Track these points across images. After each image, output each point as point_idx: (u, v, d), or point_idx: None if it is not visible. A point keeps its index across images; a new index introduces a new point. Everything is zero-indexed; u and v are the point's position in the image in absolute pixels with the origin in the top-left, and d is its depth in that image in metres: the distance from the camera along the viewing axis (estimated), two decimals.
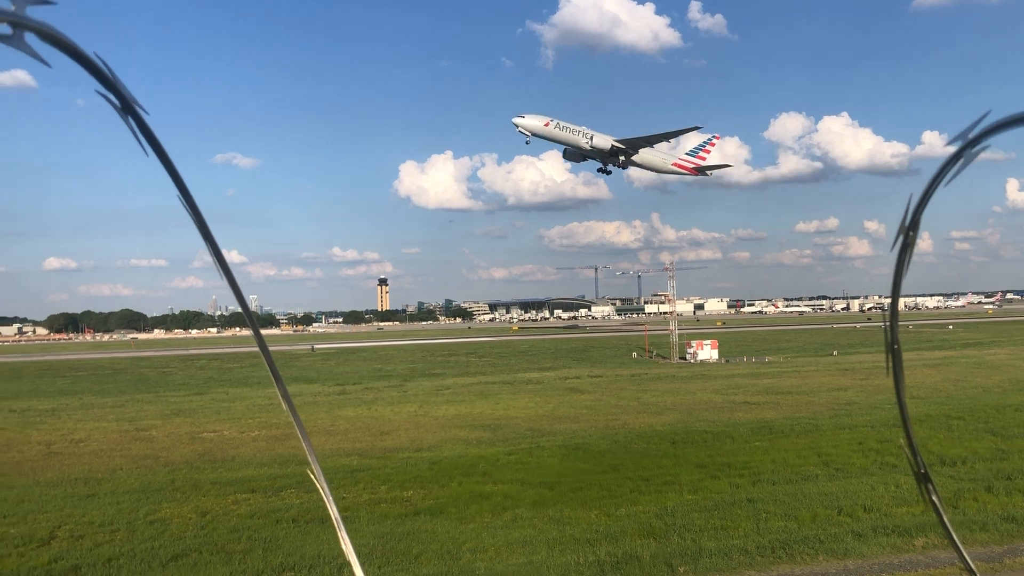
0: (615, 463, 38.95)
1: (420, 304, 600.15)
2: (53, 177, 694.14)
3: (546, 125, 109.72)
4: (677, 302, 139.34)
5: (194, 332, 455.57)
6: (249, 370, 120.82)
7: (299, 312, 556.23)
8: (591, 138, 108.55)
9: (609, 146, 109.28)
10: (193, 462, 41.92)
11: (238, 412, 63.49)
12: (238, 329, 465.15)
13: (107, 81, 2.11)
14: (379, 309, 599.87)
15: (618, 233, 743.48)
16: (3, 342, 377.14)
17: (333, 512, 2.77)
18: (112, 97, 2.14)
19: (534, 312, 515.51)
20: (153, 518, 30.00)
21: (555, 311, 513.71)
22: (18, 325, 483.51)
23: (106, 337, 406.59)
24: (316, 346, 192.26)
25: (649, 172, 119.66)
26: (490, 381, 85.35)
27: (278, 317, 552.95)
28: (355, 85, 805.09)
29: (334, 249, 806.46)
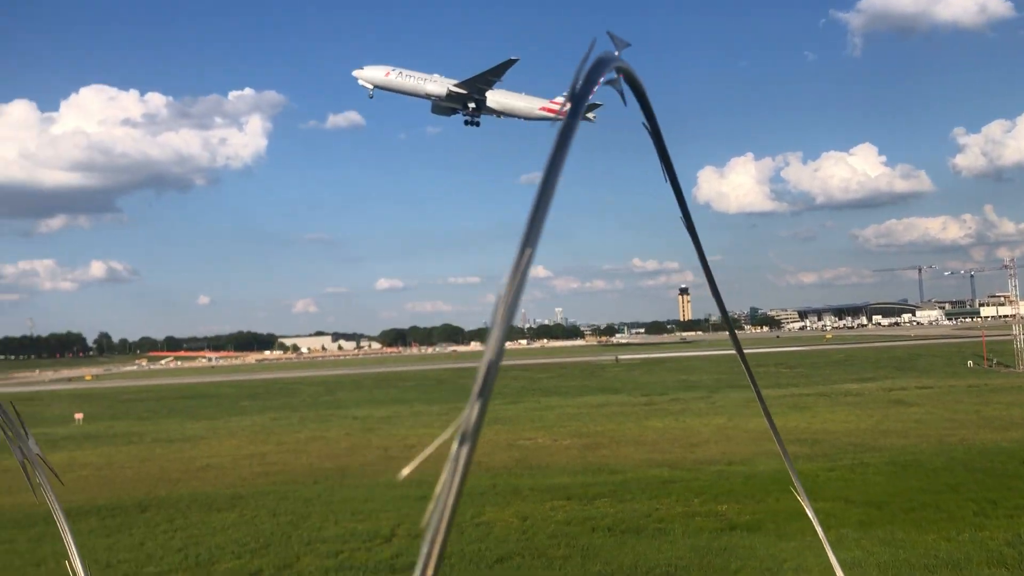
0: (953, 482, 35.23)
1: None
2: (381, 205, 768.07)
3: (387, 75, 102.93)
4: (1021, 303, 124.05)
5: (506, 344, 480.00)
6: (558, 380, 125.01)
7: (602, 323, 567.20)
8: (425, 82, 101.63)
9: (445, 91, 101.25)
10: (512, 468, 43.96)
11: (550, 420, 65.82)
12: (546, 341, 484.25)
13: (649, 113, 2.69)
14: (681, 319, 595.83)
15: (944, 229, 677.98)
16: (345, 355, 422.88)
17: (817, 528, 2.75)
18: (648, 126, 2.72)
19: (849, 318, 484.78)
20: (478, 521, 31.76)
21: (873, 317, 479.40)
22: (356, 340, 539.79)
23: (430, 350, 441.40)
24: (620, 357, 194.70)
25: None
26: (804, 393, 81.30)
27: (582, 329, 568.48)
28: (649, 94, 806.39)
29: (634, 260, 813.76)
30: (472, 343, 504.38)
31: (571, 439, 54.70)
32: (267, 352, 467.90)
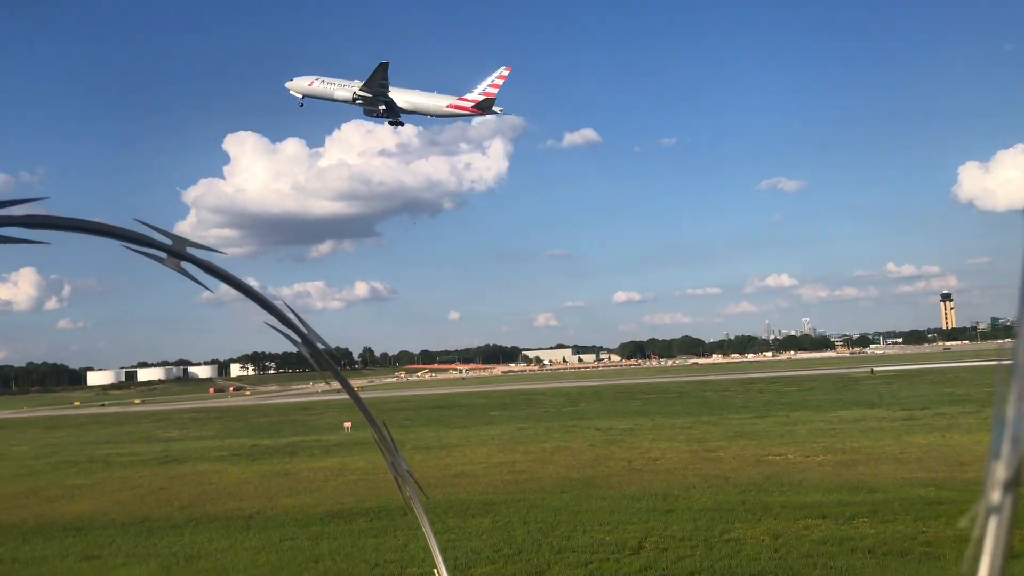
0: None
1: (994, 320, 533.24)
2: (618, 218, 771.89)
3: (310, 84, 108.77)
4: None
5: (749, 356, 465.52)
6: (807, 393, 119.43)
7: (854, 333, 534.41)
8: (336, 89, 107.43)
9: (351, 96, 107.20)
10: (761, 484, 42.64)
11: (800, 435, 63.10)
12: (792, 352, 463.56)
13: None
14: (943, 327, 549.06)
15: None
16: (585, 367, 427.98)
17: None
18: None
19: None
20: (728, 537, 31.14)
21: None
22: (596, 352, 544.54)
23: (669, 362, 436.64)
24: (875, 368, 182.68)
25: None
26: None
27: (833, 339, 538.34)
28: (900, 88, 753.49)
29: (888, 265, 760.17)
30: (714, 355, 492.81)
31: (824, 455, 52.13)
32: (512, 364, 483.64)
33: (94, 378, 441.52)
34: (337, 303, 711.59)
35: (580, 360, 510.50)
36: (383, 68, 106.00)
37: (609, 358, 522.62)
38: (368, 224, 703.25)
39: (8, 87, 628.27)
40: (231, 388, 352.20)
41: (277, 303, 5.47)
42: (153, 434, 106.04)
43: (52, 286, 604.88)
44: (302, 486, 50.14)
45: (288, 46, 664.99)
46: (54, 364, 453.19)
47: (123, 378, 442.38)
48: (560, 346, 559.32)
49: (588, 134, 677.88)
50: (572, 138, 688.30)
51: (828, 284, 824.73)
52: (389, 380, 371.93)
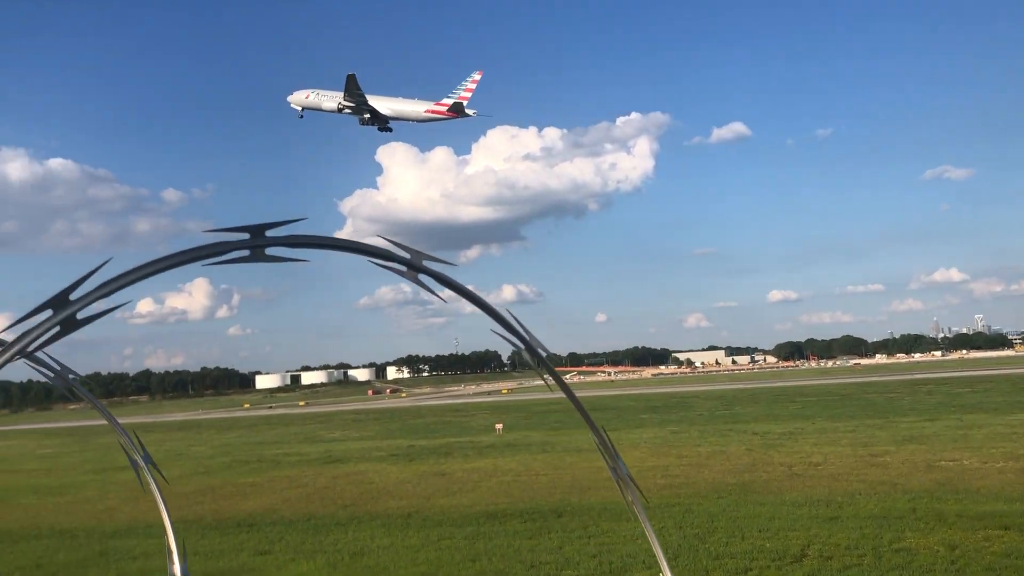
0: None
1: None
2: (771, 214, 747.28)
3: (307, 97, 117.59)
4: None
5: (916, 356, 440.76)
6: (982, 395, 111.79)
7: None
8: (323, 100, 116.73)
9: (336, 107, 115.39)
10: (933, 491, 40.17)
11: (977, 440, 59.07)
12: (964, 351, 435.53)
13: None
14: None
15: None
16: (740, 369, 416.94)
17: None
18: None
19: None
20: (898, 547, 29.49)
21: None
22: (751, 354, 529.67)
23: (829, 363, 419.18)
24: None
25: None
26: None
27: (1010, 337, 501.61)
28: None
29: None
30: (877, 356, 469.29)
31: (1005, 461, 48.56)
32: (662, 366, 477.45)
33: (262, 382, 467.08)
34: None
35: (734, 362, 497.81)
36: (352, 79, 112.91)
37: (764, 359, 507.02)
38: (514, 228, 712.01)
39: (183, 111, 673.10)
40: (388, 390, 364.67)
41: (503, 312, 5.97)
42: (317, 435, 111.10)
43: (222, 295, 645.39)
44: (457, 486, 51.18)
45: (401, 60, 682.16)
46: (225, 369, 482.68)
47: (288, 381, 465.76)
48: (712, 347, 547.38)
49: (737, 128, 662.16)
50: (720, 133, 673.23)
51: (1003, 278, 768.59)
52: (538, 383, 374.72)
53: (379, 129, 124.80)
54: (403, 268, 5.10)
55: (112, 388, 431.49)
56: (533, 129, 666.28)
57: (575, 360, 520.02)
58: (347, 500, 48.28)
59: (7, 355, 5.02)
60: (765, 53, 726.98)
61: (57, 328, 4.99)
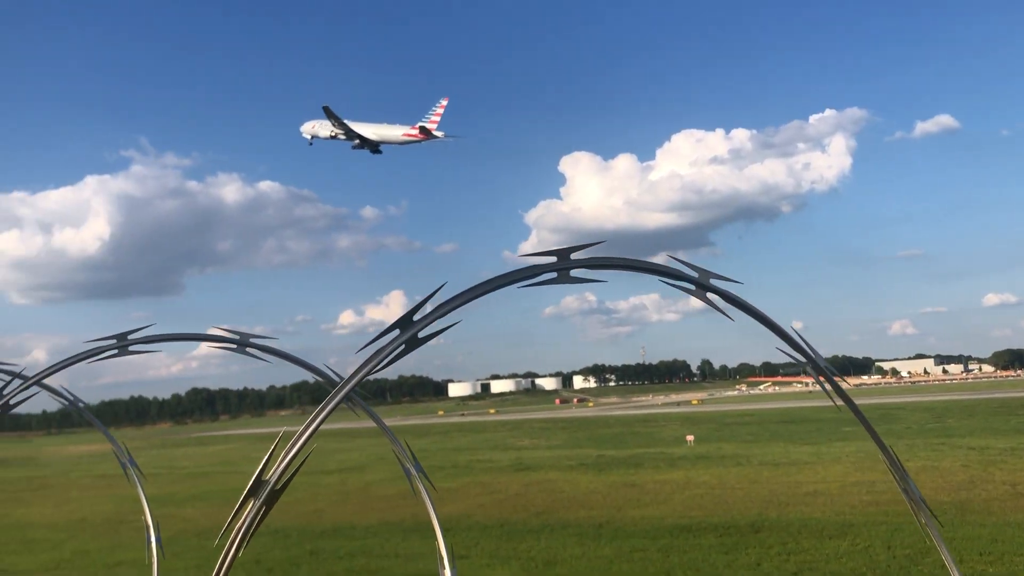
0: None
1: None
2: (984, 211, 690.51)
3: (312, 127, 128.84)
4: None
5: None
6: None
7: None
8: (316, 128, 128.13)
9: (329, 133, 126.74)
10: None
11: None
12: None
13: None
14: None
15: None
16: (952, 379, 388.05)
17: None
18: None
19: None
20: None
21: None
22: (964, 363, 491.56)
23: None
24: None
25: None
26: None
27: None
28: None
29: None
30: None
31: None
32: (864, 376, 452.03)
33: (454, 389, 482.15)
34: (673, 315, 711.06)
35: (944, 371, 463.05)
36: (326, 109, 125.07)
37: (980, 368, 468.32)
38: (701, 233, 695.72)
39: None
40: (575, 400, 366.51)
41: (789, 330, 6.24)
42: (507, 442, 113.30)
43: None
44: (648, 498, 50.60)
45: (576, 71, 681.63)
46: (420, 377, 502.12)
47: (479, 389, 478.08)
48: (920, 356, 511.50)
49: (944, 121, 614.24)
50: (925, 127, 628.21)
51: None
52: (729, 393, 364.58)
53: (371, 152, 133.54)
54: (691, 287, 5.51)
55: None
56: (720, 131, 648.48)
57: (769, 370, 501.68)
58: (539, 507, 48.87)
59: (363, 372, 5.62)
60: (971, 40, 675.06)
61: (403, 346, 5.54)
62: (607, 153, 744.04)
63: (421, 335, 5.89)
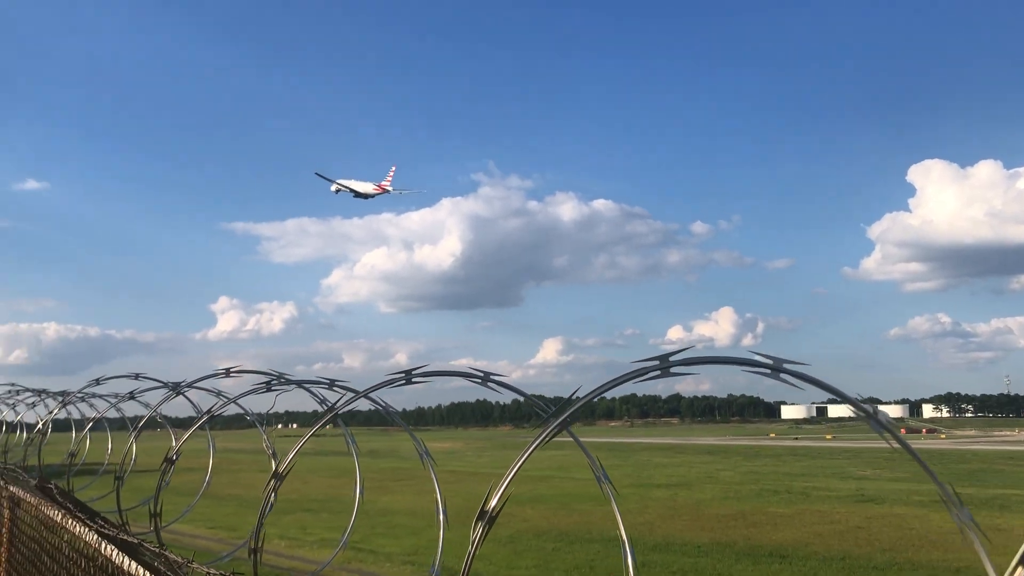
0: None
1: None
2: None
3: (333, 184, 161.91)
4: None
5: None
6: None
7: None
8: (333, 185, 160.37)
9: (335, 189, 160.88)
10: None
11: None
12: None
13: None
14: None
15: None
16: None
17: None
18: None
19: None
20: None
21: None
22: None
23: None
24: None
25: None
26: None
27: None
28: None
29: None
30: None
31: None
32: None
33: (787, 411, 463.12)
34: None
35: None
36: (317, 174, 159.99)
37: None
38: None
39: (712, 147, 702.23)
40: (924, 430, 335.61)
41: (853, 395, 6.76)
42: (846, 471, 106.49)
43: (747, 324, 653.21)
44: (1016, 544, 44.97)
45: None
46: (751, 397, 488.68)
47: (814, 413, 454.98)
48: None
49: None
50: None
51: None
52: None
53: (365, 199, 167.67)
54: (767, 371, 6.28)
55: (646, 409, 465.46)
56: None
57: None
58: (885, 544, 45.42)
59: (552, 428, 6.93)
60: None
61: (658, 372, 6.38)
62: (965, 160, 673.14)
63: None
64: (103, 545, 6.72)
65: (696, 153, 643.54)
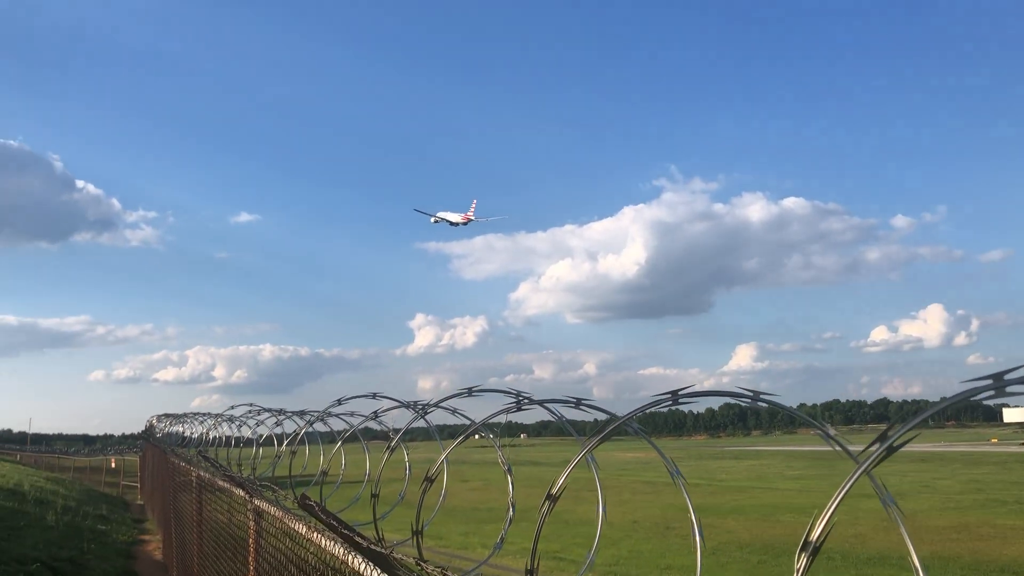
0: None
1: None
2: None
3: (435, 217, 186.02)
4: None
5: None
6: None
7: None
8: (432, 218, 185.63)
9: (432, 220, 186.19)
10: None
11: None
12: None
13: None
14: None
15: None
16: None
17: None
18: None
19: None
20: None
21: None
22: None
23: None
24: None
25: None
26: None
27: None
28: None
29: None
30: None
31: None
32: None
33: (1010, 415, 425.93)
34: None
35: None
36: (416, 210, 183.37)
37: None
38: None
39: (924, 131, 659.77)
40: None
41: (818, 423, 6.74)
42: None
43: (960, 322, 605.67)
44: None
45: None
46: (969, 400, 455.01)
47: None
48: None
49: None
50: None
51: None
52: None
53: (458, 227, 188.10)
54: (748, 402, 6.31)
55: (851, 415, 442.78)
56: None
57: None
58: None
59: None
60: None
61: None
62: None
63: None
64: (352, 558, 7.34)
65: (897, 143, 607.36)
